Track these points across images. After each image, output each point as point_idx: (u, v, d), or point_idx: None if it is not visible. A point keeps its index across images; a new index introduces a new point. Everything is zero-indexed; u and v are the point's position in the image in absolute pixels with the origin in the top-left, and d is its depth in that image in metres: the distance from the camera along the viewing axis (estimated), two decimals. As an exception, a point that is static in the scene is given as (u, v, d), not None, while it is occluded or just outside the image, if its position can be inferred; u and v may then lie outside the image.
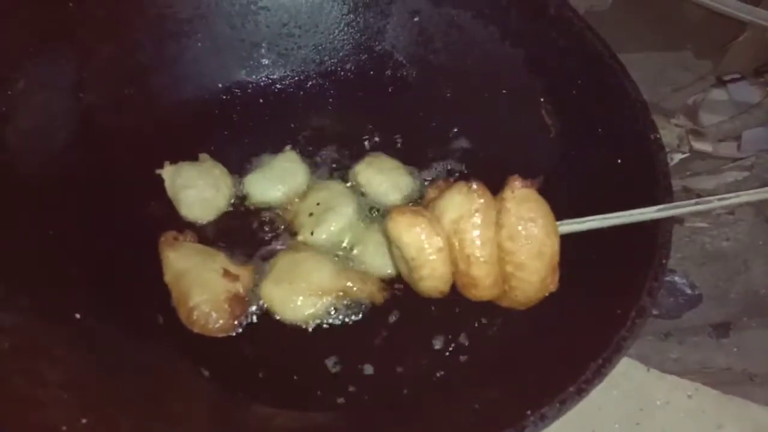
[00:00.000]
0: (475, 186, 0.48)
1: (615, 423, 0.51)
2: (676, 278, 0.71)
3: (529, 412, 0.38)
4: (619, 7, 0.98)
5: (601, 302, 0.46)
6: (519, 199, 0.48)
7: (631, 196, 0.53)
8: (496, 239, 0.48)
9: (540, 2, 0.65)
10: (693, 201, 0.51)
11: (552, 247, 0.48)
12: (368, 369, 0.55)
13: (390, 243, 0.52)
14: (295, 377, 0.53)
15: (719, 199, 0.51)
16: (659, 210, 0.49)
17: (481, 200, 0.48)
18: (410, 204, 0.65)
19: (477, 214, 0.48)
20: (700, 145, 0.86)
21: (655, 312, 0.69)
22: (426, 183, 0.68)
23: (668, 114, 0.89)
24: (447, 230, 0.49)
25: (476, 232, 0.48)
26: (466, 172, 0.68)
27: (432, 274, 0.49)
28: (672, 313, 0.70)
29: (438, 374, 0.53)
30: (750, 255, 0.74)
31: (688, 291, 0.70)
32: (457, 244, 0.48)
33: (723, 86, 0.95)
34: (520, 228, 0.47)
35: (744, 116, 0.89)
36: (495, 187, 0.50)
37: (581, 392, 0.39)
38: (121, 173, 0.63)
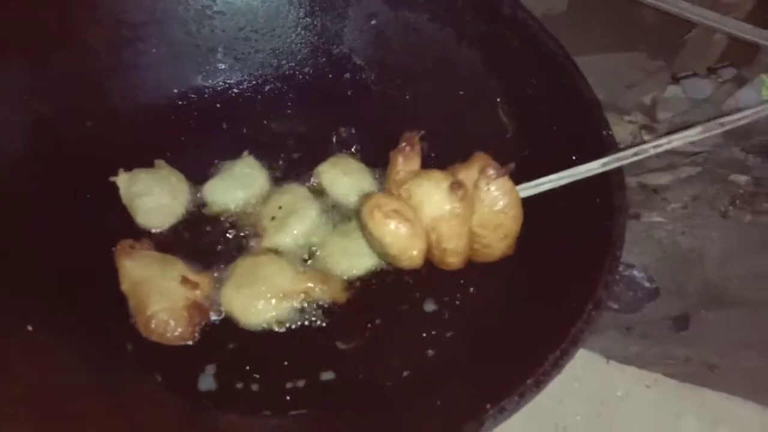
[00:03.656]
0: (455, 187, 0.49)
1: (576, 415, 0.52)
2: (635, 272, 0.73)
3: (488, 405, 0.39)
4: (575, 11, 1.00)
5: (558, 296, 0.46)
6: (493, 190, 0.50)
7: (586, 192, 0.54)
8: (469, 228, 0.51)
9: (494, 4, 0.66)
10: (631, 152, 0.54)
11: (517, 229, 0.51)
12: (331, 373, 0.54)
13: (363, 227, 0.53)
14: (258, 383, 0.53)
15: (654, 147, 0.55)
16: (604, 164, 0.53)
17: (460, 202, 0.50)
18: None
19: (456, 216, 0.50)
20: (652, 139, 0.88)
21: (615, 306, 0.70)
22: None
23: (625, 112, 0.91)
24: (425, 223, 0.51)
25: (453, 231, 0.50)
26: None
27: (410, 264, 0.52)
28: (632, 306, 0.72)
29: (404, 374, 0.53)
30: (705, 248, 0.76)
31: (647, 284, 0.71)
32: (434, 237, 0.51)
33: (677, 83, 0.97)
34: (491, 218, 0.50)
35: (695, 111, 0.91)
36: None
37: (540, 384, 0.40)
38: (75, 182, 0.62)
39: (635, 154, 0.54)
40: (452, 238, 0.51)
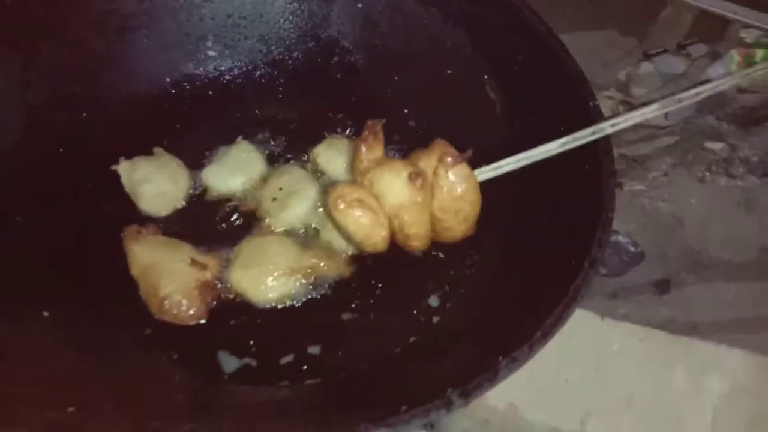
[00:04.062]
0: (415, 175, 0.51)
1: (576, 369, 0.55)
2: (620, 238, 0.76)
3: (501, 358, 0.41)
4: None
5: (557, 257, 0.49)
6: (451, 177, 0.52)
7: (576, 159, 0.57)
8: (430, 213, 0.54)
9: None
10: (589, 131, 0.55)
11: (476, 213, 0.54)
12: (343, 341, 0.56)
13: (329, 216, 0.56)
14: (272, 356, 0.54)
15: (612, 125, 0.56)
16: (562, 144, 0.54)
17: (420, 191, 0.52)
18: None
19: (416, 204, 0.52)
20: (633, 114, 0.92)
21: (603, 271, 0.74)
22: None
23: (602, 88, 0.94)
24: (387, 211, 0.53)
25: (414, 217, 0.53)
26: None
27: (374, 249, 0.54)
28: (617, 270, 0.75)
29: (411, 339, 0.55)
30: (684, 214, 0.79)
31: (632, 249, 0.75)
32: (396, 223, 0.53)
33: (649, 60, 1.00)
34: (451, 204, 0.53)
35: (670, 86, 0.95)
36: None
37: (546, 336, 0.43)
38: (74, 172, 0.63)
39: (593, 133, 0.55)
40: (414, 225, 0.53)
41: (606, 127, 0.56)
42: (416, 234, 0.54)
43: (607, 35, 1.06)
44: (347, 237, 0.55)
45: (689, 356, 0.56)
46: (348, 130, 0.73)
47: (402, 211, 0.52)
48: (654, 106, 0.60)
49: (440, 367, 0.48)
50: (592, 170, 0.54)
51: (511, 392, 0.53)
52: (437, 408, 0.39)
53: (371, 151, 0.54)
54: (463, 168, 0.52)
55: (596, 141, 0.56)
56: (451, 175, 0.51)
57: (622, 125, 0.58)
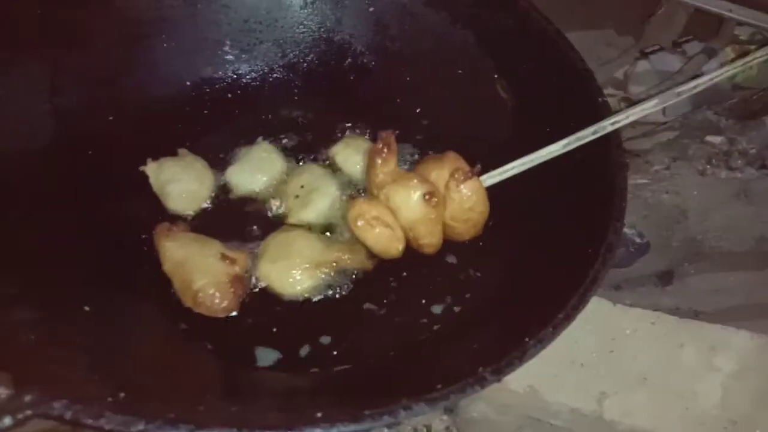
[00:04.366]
0: (429, 195, 0.56)
1: (592, 353, 0.58)
2: (626, 230, 0.78)
3: (527, 339, 0.44)
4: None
5: (575, 244, 0.52)
6: (462, 191, 0.57)
7: (584, 157, 0.60)
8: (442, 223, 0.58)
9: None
10: (590, 130, 0.58)
11: (484, 220, 0.59)
12: (369, 330, 0.59)
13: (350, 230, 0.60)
14: (302, 345, 0.57)
15: (612, 123, 0.59)
16: (564, 146, 0.58)
17: (434, 208, 0.56)
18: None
19: (430, 220, 0.57)
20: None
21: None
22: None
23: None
24: (403, 224, 0.58)
25: (428, 230, 0.58)
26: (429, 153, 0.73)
27: (391, 257, 0.60)
28: (624, 261, 0.78)
29: (435, 327, 0.58)
30: (687, 205, 0.82)
31: (638, 240, 0.77)
32: (411, 234, 0.58)
33: (646, 58, 1.03)
34: (461, 214, 0.58)
35: (667, 84, 0.98)
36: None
37: (569, 318, 0.45)
38: (100, 173, 0.65)
39: (594, 132, 0.58)
40: (427, 236, 0.58)
41: (606, 126, 0.59)
42: (429, 243, 0.59)
43: (603, 34, 1.08)
44: (367, 247, 0.60)
45: (698, 337, 0.59)
46: (362, 130, 0.75)
47: (417, 224, 0.57)
48: (653, 102, 0.63)
49: (467, 350, 0.50)
50: (605, 162, 0.56)
51: (530, 376, 0.56)
52: (471, 385, 0.41)
53: (386, 163, 0.58)
54: (473, 182, 0.57)
55: (607, 134, 0.59)
56: (462, 189, 0.56)
57: (623, 122, 0.61)
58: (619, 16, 1.07)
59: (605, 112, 0.61)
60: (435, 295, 0.60)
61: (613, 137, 0.59)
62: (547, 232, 0.56)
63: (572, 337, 0.56)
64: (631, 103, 0.96)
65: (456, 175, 0.56)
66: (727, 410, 0.55)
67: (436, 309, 0.59)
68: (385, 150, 0.57)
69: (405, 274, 0.63)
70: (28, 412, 0.33)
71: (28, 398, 0.34)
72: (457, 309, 0.59)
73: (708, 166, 0.85)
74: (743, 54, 0.98)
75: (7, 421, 0.32)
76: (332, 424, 0.38)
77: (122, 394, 0.41)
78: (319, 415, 0.40)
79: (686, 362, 0.57)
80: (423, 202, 0.56)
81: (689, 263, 0.80)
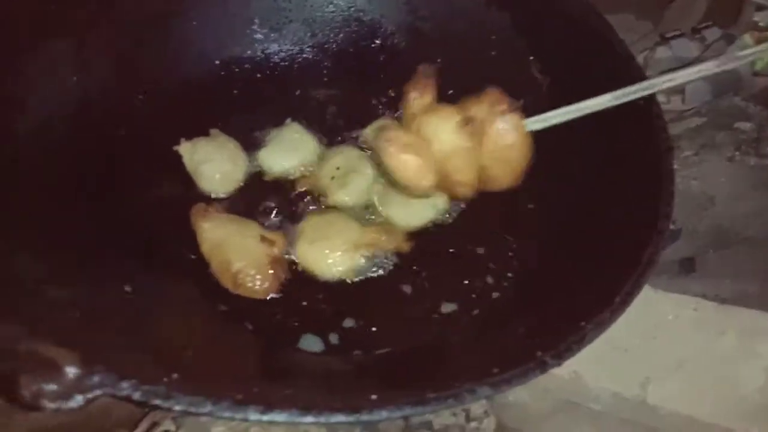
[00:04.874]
0: (464, 123, 0.51)
1: (636, 338, 0.58)
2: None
3: (584, 323, 0.43)
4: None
5: (626, 227, 0.52)
6: (501, 126, 0.52)
7: (627, 135, 0.59)
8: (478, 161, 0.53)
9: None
10: (643, 85, 0.55)
11: (525, 163, 0.54)
12: (406, 313, 0.58)
13: (378, 158, 0.56)
14: (341, 327, 0.57)
15: (666, 80, 0.55)
16: (614, 98, 0.54)
17: (469, 137, 0.52)
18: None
19: (465, 151, 0.52)
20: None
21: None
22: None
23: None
24: (435, 156, 0.53)
25: (463, 164, 0.53)
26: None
27: (421, 193, 0.56)
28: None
29: (474, 312, 0.57)
30: (715, 191, 0.82)
31: (671, 226, 0.77)
32: (444, 169, 0.53)
33: (666, 43, 1.02)
34: (500, 152, 0.53)
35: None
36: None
37: (625, 303, 0.45)
38: (132, 153, 0.64)
39: (645, 89, 0.54)
40: (461, 171, 0.53)
41: (659, 83, 0.56)
42: (463, 180, 0.54)
43: (622, 19, 1.07)
44: (395, 180, 0.55)
45: (738, 323, 0.58)
46: (393, 111, 0.74)
47: (450, 157, 0.52)
48: (711, 63, 0.60)
49: (518, 334, 0.50)
50: (652, 145, 0.56)
51: (573, 361, 0.55)
52: (533, 369, 0.41)
53: (422, 96, 0.54)
54: (514, 117, 0.52)
55: (651, 118, 0.58)
56: (501, 123, 0.52)
57: (679, 81, 0.56)
58: (641, 1, 1.06)
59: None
60: (475, 275, 0.60)
61: (657, 121, 0.58)
62: (595, 214, 0.55)
63: (615, 324, 0.55)
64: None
65: (495, 108, 0.52)
66: (768, 396, 0.55)
67: (477, 290, 0.59)
68: (422, 82, 0.54)
69: (446, 252, 0.62)
70: (98, 392, 0.33)
71: (96, 378, 0.33)
72: (495, 295, 0.58)
73: (737, 153, 0.85)
74: (762, 40, 0.97)
75: (79, 399, 0.32)
76: (398, 407, 0.37)
77: (175, 375, 0.40)
78: (374, 397, 0.39)
79: (728, 348, 0.57)
80: (458, 131, 0.51)
81: (714, 250, 0.79)
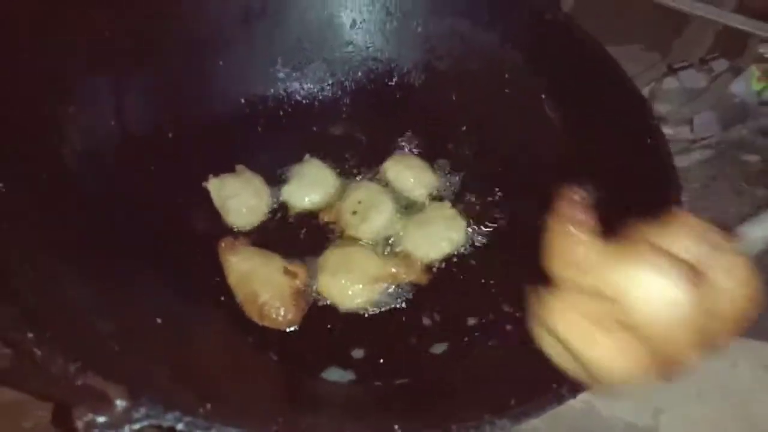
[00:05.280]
0: (689, 276, 0.37)
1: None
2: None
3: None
4: (579, 9, 1.08)
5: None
6: (723, 265, 0.38)
7: (636, 171, 0.61)
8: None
9: (536, 10, 0.73)
10: None
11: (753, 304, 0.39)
12: (424, 344, 0.61)
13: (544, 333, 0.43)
14: (361, 358, 0.59)
15: None
16: None
17: (696, 295, 0.37)
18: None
19: (691, 317, 0.37)
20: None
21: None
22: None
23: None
24: (638, 326, 0.38)
25: (681, 332, 0.38)
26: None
27: (619, 381, 0.41)
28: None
29: (490, 343, 0.59)
30: (724, 221, 0.83)
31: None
32: (651, 343, 0.39)
33: (674, 74, 1.04)
34: (723, 301, 0.38)
35: (696, 102, 0.99)
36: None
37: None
38: (163, 189, 0.67)
39: None
40: (686, 344, 0.39)
41: None
42: (687, 355, 0.40)
43: (631, 50, 1.10)
44: (577, 363, 0.41)
45: (751, 355, 0.60)
46: (409, 148, 0.77)
47: (667, 328, 0.38)
48: None
49: (529, 367, 0.52)
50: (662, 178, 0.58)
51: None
52: (550, 401, 0.43)
53: (583, 231, 0.40)
54: (734, 250, 0.39)
55: (660, 157, 0.61)
56: (723, 262, 0.38)
57: None
58: (648, 33, 1.09)
59: (657, 134, 0.63)
60: (490, 308, 0.62)
61: (666, 158, 0.60)
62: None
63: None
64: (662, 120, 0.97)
65: (712, 240, 0.38)
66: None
67: (492, 322, 0.61)
68: (578, 211, 0.40)
69: (457, 290, 0.65)
70: (144, 423, 0.35)
71: (142, 410, 0.36)
72: (508, 327, 0.61)
73: (744, 184, 0.87)
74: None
75: (126, 430, 0.34)
76: (423, 437, 0.40)
77: (208, 405, 0.43)
78: (397, 427, 0.41)
79: (741, 380, 0.59)
80: (678, 287, 0.36)
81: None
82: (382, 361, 0.59)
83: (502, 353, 0.57)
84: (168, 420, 0.36)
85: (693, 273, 0.37)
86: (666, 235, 0.39)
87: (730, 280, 0.38)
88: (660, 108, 0.99)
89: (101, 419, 0.34)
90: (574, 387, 0.43)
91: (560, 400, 0.43)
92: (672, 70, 1.05)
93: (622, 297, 0.38)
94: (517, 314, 0.61)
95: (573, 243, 0.40)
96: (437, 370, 0.58)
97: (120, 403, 0.35)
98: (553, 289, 0.41)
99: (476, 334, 0.61)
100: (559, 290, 0.41)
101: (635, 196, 0.60)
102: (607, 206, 0.60)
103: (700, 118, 0.98)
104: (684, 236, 0.39)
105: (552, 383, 0.44)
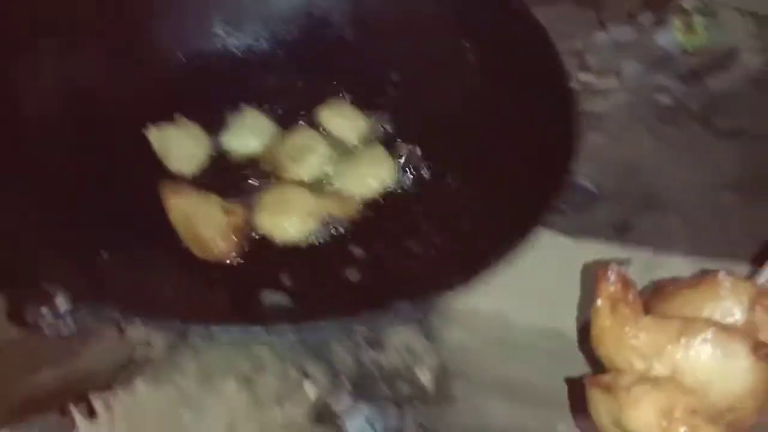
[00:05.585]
0: (760, 350, 0.36)
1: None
2: (582, 181, 0.85)
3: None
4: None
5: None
6: None
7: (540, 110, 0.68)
8: None
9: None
10: None
11: None
12: (358, 273, 0.67)
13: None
14: (302, 287, 0.65)
15: None
16: None
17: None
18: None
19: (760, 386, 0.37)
20: (584, 77, 1.02)
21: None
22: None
23: (559, 56, 1.04)
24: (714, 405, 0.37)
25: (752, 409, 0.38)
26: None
27: None
28: (580, 207, 0.83)
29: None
30: (640, 161, 0.90)
31: (594, 190, 0.84)
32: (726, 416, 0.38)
33: (603, 29, 1.10)
34: None
35: (624, 54, 1.05)
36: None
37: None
38: (108, 139, 0.72)
39: None
40: (749, 410, 0.38)
41: None
42: (750, 418, 0.39)
43: (562, 9, 1.14)
44: None
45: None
46: (343, 94, 0.82)
47: (740, 399, 0.37)
48: None
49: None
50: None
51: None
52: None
53: (639, 313, 0.39)
54: None
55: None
56: None
57: None
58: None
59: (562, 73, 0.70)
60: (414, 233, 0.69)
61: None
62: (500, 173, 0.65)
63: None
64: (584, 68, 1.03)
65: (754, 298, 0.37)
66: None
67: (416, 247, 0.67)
68: (627, 291, 0.39)
69: (388, 223, 0.71)
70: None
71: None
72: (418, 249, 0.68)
73: (659, 123, 0.94)
74: (688, 23, 1.07)
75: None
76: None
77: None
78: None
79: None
80: (751, 362, 0.36)
81: (643, 214, 0.86)
82: (312, 287, 0.65)
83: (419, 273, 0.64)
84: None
85: (752, 338, 0.37)
86: (709, 304, 0.39)
87: None
88: (591, 60, 1.05)
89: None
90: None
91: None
92: (602, 25, 1.10)
93: (693, 380, 0.37)
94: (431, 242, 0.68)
95: (630, 326, 0.39)
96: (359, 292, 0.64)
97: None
98: (611, 378, 0.39)
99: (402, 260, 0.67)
100: (619, 379, 0.39)
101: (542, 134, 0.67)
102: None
103: (628, 69, 1.04)
104: (727, 300, 0.39)
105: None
